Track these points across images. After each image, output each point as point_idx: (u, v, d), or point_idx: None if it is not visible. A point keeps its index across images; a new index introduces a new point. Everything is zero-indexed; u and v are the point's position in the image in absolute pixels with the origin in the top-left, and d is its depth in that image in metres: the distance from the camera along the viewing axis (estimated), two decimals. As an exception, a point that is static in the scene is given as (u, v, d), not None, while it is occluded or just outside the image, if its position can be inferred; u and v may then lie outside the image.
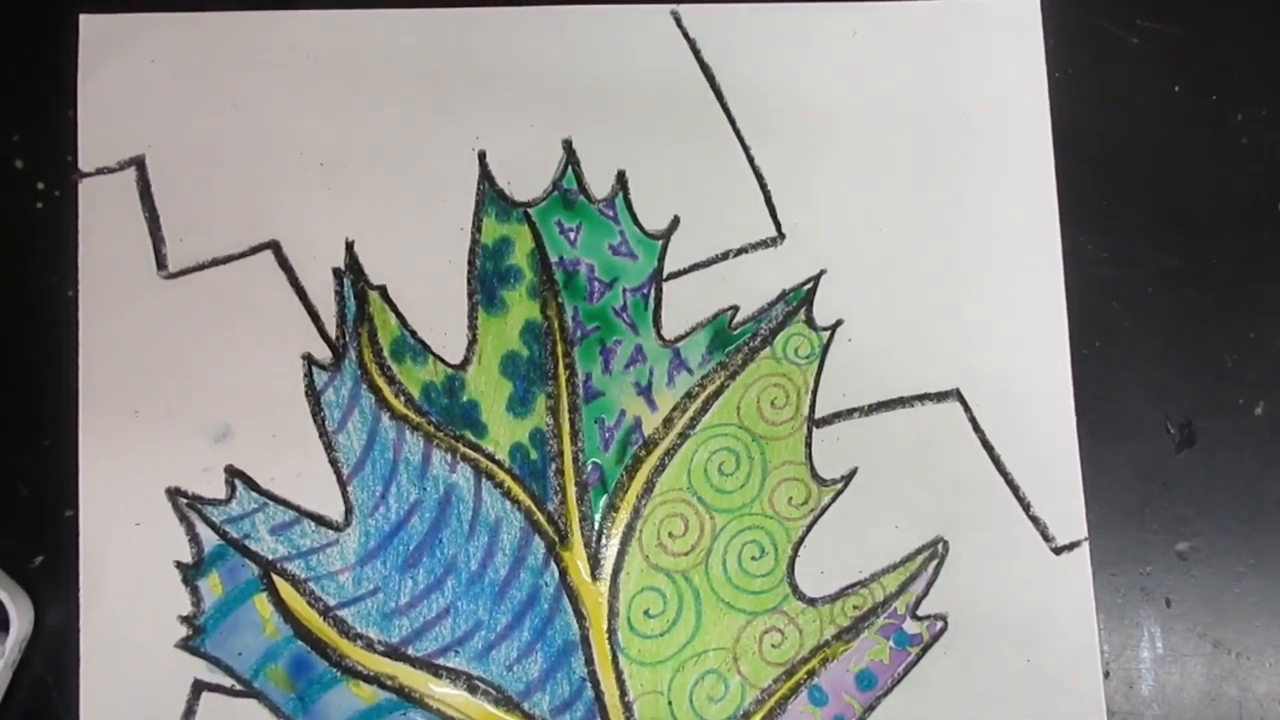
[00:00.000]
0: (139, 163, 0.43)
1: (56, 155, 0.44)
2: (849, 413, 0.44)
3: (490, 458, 0.43)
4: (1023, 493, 0.43)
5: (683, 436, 0.43)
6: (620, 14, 0.45)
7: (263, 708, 0.41)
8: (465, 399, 0.43)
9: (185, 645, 0.41)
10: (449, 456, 0.43)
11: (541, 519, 0.43)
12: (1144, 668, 0.43)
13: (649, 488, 0.43)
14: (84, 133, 0.43)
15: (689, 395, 0.43)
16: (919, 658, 0.43)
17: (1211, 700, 0.43)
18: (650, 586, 0.43)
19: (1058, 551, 0.43)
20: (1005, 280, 0.44)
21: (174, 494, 0.42)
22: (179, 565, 0.42)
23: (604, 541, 0.43)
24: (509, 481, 0.43)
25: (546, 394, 0.43)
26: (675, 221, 0.44)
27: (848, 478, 0.43)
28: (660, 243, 0.44)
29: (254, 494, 0.42)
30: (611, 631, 0.42)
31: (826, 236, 0.44)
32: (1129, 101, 0.46)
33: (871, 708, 0.42)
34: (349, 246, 0.43)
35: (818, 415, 0.44)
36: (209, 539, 0.42)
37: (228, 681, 0.41)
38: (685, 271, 0.44)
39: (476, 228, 0.44)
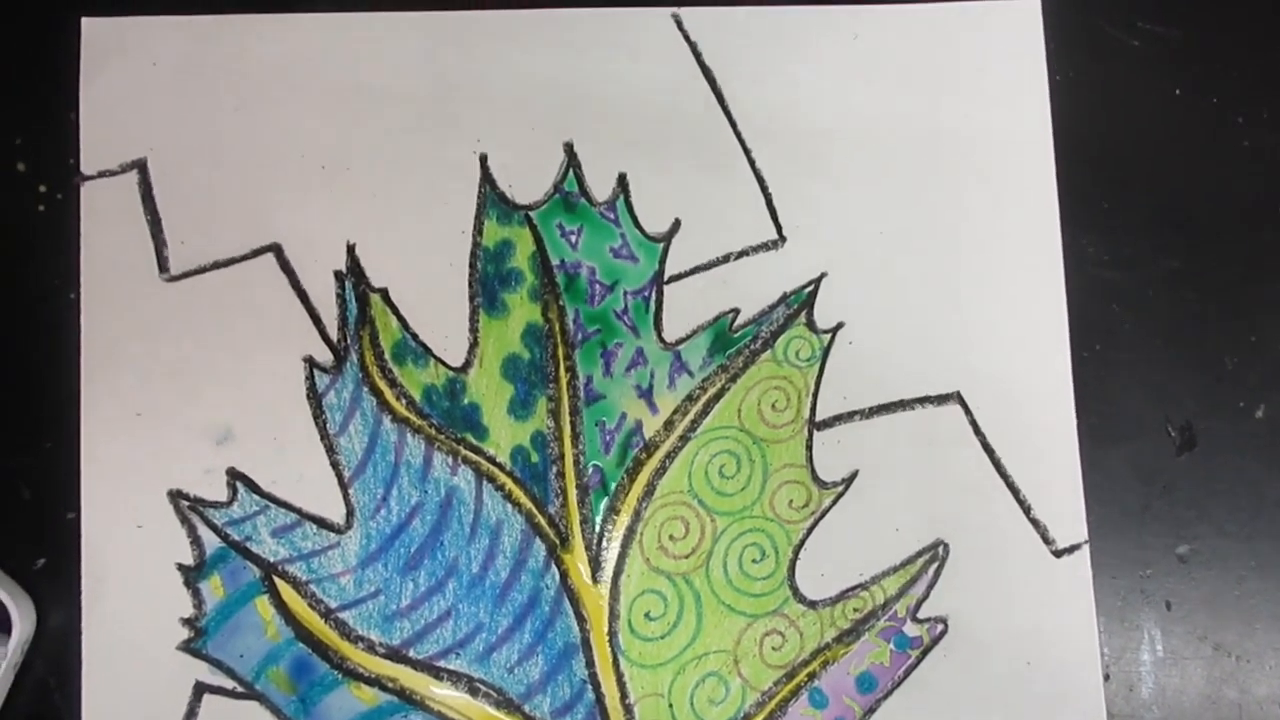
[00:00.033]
0: (141, 165, 0.43)
1: (58, 158, 0.44)
2: (850, 415, 0.44)
3: (491, 460, 0.43)
4: (1023, 495, 0.43)
5: (684, 439, 0.43)
6: (622, 17, 0.45)
7: (264, 710, 0.41)
8: (466, 402, 0.43)
9: (187, 647, 0.41)
10: (450, 459, 0.43)
11: (542, 521, 0.43)
12: (1144, 670, 0.43)
13: (650, 490, 0.43)
14: (86, 135, 0.43)
15: (690, 398, 0.43)
16: (919, 660, 0.43)
17: (1212, 703, 0.43)
18: (651, 589, 0.43)
19: (1058, 554, 0.43)
20: (1006, 282, 0.44)
21: (176, 496, 0.42)
22: (181, 567, 0.42)
23: (605, 544, 0.43)
24: (510, 484, 0.43)
25: (547, 397, 0.43)
26: (676, 224, 0.44)
27: (848, 480, 0.43)
28: (661, 245, 0.44)
29: (255, 496, 0.42)
30: (612, 634, 0.42)
31: (827, 239, 0.44)
32: (1129, 104, 0.46)
33: (872, 710, 0.42)
34: (350, 249, 0.43)
35: (818, 418, 0.44)
36: (210, 541, 0.42)
37: (229, 683, 0.41)
38: (686, 274, 0.44)
39: (478, 230, 0.44)
